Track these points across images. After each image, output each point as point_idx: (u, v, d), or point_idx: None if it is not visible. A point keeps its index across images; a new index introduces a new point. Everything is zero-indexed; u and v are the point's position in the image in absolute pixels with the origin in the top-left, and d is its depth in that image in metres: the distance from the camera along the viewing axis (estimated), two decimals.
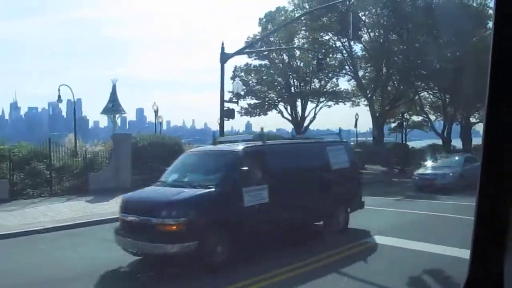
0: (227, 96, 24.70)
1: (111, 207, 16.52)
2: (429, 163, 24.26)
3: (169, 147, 23.10)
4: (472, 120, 49.09)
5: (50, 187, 19.59)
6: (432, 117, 48.86)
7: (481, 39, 37.13)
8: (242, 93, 35.29)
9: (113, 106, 29.52)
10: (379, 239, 10.51)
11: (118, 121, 38.93)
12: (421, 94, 45.12)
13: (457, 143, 46.88)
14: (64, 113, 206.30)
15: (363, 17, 36.72)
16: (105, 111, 30.86)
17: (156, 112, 37.15)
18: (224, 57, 20.58)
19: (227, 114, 20.52)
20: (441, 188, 19.84)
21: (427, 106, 48.06)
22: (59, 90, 27.04)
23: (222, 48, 20.40)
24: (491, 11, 37.40)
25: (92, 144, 27.93)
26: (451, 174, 20.94)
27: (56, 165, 20.61)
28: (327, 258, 9.05)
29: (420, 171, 22.91)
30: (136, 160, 21.51)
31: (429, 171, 22.31)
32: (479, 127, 51.18)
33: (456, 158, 24.32)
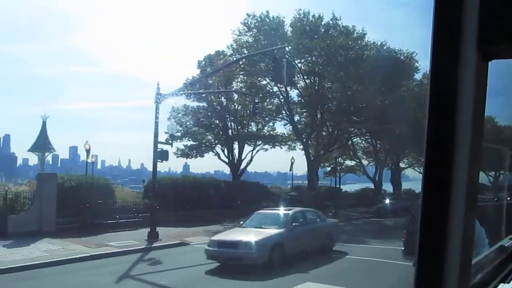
0: (163, 137, 24.22)
1: (31, 252, 15.34)
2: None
3: (98, 188, 22.16)
4: (402, 165, 51.28)
5: None
6: (365, 162, 50.68)
7: (408, 89, 39.58)
8: (178, 134, 34.91)
9: (42, 143, 28.21)
10: (311, 286, 10.35)
11: (50, 159, 37.26)
12: (354, 140, 46.84)
13: (388, 187, 48.60)
14: None
15: (300, 64, 38.05)
16: (33, 148, 29.39)
17: (88, 151, 35.81)
18: (160, 98, 20.26)
19: (160, 155, 20.00)
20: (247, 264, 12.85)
21: (360, 151, 49.80)
22: None
23: (158, 88, 20.11)
24: (417, 64, 40.20)
25: (16, 183, 26.27)
26: (257, 244, 13.16)
27: None
28: None
29: (220, 235, 14.84)
30: (63, 201, 20.31)
31: (230, 237, 14.15)
32: (409, 172, 53.64)
33: (281, 213, 16.37)
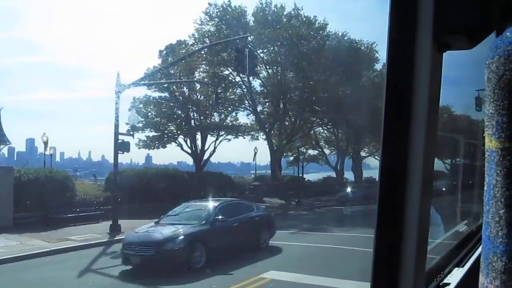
0: (124, 128, 23.82)
1: None
2: None
3: (58, 182, 21.61)
4: (362, 154, 52.21)
5: None
6: (327, 151, 51.33)
7: (368, 79, 40.32)
8: (140, 125, 34.39)
9: None
10: (274, 275, 10.44)
11: (5, 152, 36.02)
12: (316, 129, 47.37)
13: (349, 175, 49.45)
14: None
15: (262, 54, 38.08)
16: None
17: (46, 143, 34.85)
18: (120, 88, 19.86)
19: (121, 147, 19.66)
20: None
21: (322, 141, 50.41)
22: None
23: (118, 79, 19.70)
24: (377, 55, 40.90)
25: None
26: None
27: None
28: None
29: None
30: (20, 195, 19.69)
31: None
32: (369, 160, 54.71)
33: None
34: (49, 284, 10.72)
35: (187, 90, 38.64)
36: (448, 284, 1.65)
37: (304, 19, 38.37)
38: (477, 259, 1.68)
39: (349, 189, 36.21)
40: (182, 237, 12.14)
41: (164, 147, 39.52)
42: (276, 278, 10.14)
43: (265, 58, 38.74)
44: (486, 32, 0.83)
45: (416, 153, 0.93)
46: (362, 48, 41.18)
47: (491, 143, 0.53)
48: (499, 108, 0.51)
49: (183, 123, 38.78)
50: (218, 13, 38.07)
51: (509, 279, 0.50)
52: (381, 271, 1.00)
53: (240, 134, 41.65)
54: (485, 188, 0.55)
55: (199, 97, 39.09)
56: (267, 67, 39.30)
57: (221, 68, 38.30)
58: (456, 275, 1.77)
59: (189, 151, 39.23)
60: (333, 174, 48.57)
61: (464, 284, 1.66)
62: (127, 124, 25.66)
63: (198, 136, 39.34)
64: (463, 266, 1.89)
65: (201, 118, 39.27)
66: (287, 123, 41.36)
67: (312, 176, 53.48)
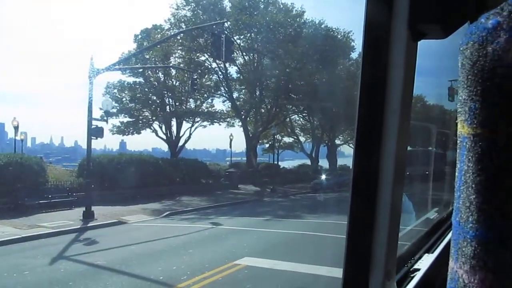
0: (98, 114, 23.46)
1: None
2: None
3: (28, 168, 21.17)
4: (337, 142, 52.74)
5: None
6: (302, 139, 51.66)
7: (344, 68, 40.61)
8: (114, 110, 33.92)
9: None
10: (249, 261, 10.51)
11: None
12: (292, 117, 47.58)
13: (324, 163, 49.94)
14: None
15: (238, 40, 37.89)
16: None
17: (16, 128, 34.01)
18: (94, 73, 19.49)
19: (95, 132, 19.36)
20: None
21: (298, 128, 50.70)
22: None
23: (92, 63, 19.32)
24: (353, 43, 41.18)
25: None
26: None
27: None
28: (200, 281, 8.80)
29: None
30: None
31: None
32: (344, 148, 55.29)
33: None
34: (20, 271, 10.55)
35: (162, 75, 38.24)
36: (419, 269, 1.68)
37: (281, 6, 38.35)
38: (447, 246, 1.72)
39: (323, 177, 36.58)
40: None
41: (139, 133, 39.19)
42: (250, 264, 10.21)
43: (241, 44, 38.59)
44: (460, 21, 0.84)
45: (390, 142, 0.95)
46: (339, 36, 41.43)
47: (463, 129, 0.54)
48: (472, 94, 0.52)
49: (158, 109, 38.44)
50: None
51: (478, 264, 0.50)
52: (353, 257, 1.02)
53: (215, 120, 41.54)
54: (456, 174, 0.56)
55: (174, 83, 38.76)
56: (244, 53, 39.18)
57: (197, 54, 38.05)
58: (426, 260, 1.81)
59: (164, 137, 39.00)
60: (308, 162, 48.97)
61: (434, 269, 1.70)
62: (101, 109, 25.28)
63: (174, 122, 39.12)
64: (433, 252, 1.94)
65: (177, 104, 38.97)
66: (263, 110, 41.43)
67: (287, 163, 53.88)
